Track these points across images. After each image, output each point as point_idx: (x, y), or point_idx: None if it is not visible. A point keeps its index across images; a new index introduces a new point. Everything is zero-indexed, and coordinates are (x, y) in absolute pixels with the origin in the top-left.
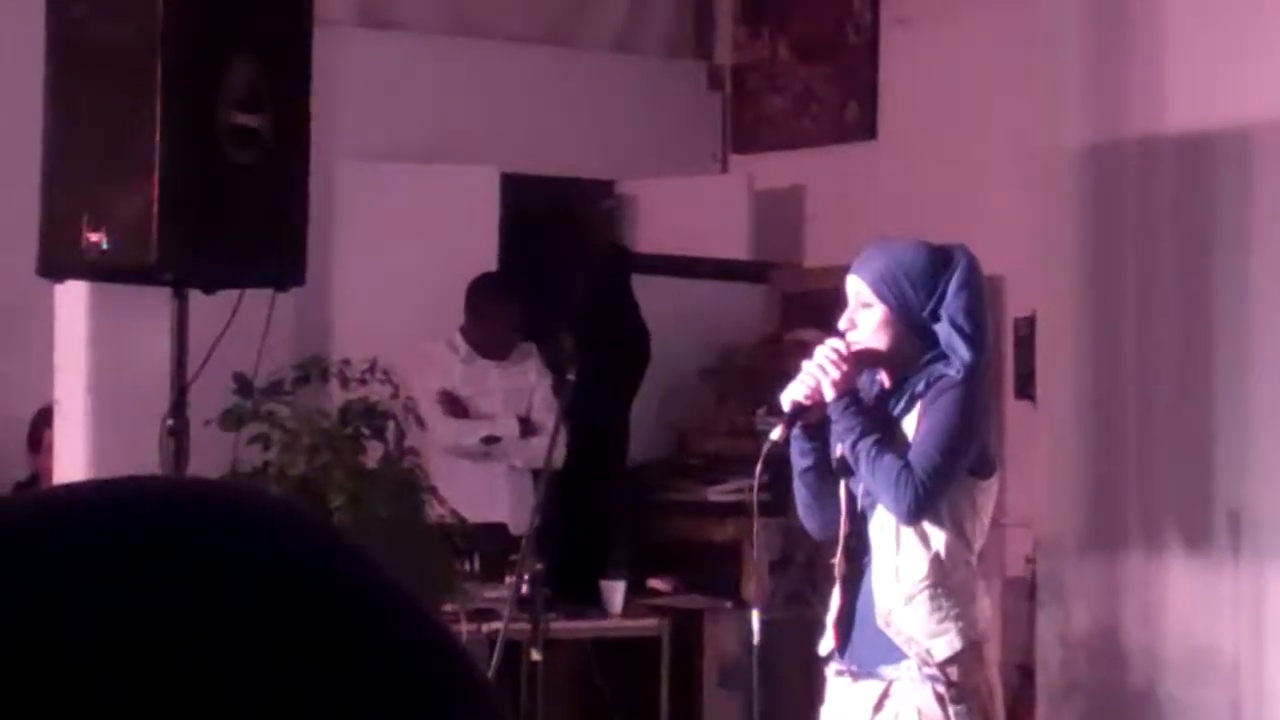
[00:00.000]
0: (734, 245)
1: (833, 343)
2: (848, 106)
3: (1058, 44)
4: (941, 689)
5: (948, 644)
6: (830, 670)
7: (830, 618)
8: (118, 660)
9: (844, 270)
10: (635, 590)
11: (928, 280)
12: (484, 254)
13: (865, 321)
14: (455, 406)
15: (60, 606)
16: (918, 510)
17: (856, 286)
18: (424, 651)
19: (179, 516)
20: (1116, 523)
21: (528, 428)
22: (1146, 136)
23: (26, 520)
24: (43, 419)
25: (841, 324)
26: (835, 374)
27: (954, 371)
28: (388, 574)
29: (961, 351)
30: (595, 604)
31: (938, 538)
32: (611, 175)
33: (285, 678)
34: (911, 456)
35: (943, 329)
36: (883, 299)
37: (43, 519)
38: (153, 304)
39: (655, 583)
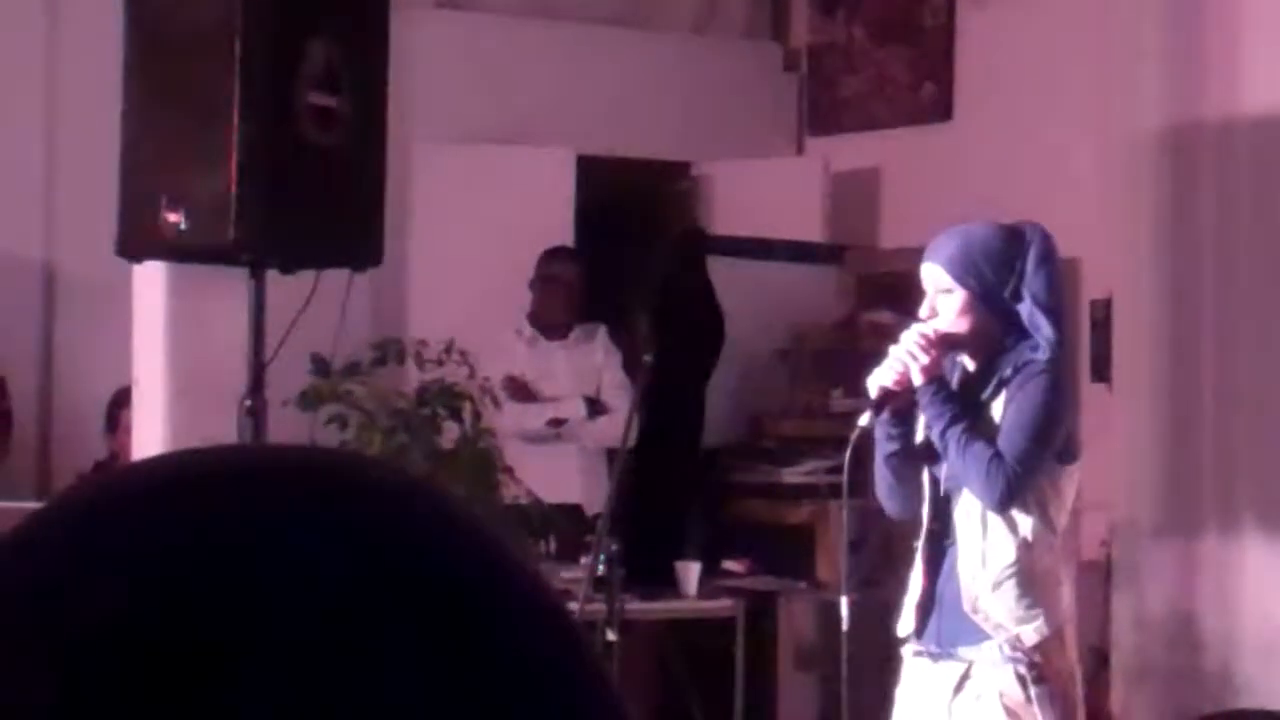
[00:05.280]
0: (809, 227)
1: (919, 327)
2: (923, 88)
3: (1134, 25)
4: (1023, 670)
5: (1036, 630)
6: (907, 650)
7: (909, 600)
8: (232, 629)
9: (919, 252)
10: (710, 571)
11: (1005, 260)
12: (559, 235)
13: (946, 307)
14: (521, 391)
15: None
16: (1008, 498)
17: (934, 274)
18: (540, 635)
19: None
20: (1192, 505)
21: (597, 408)
22: (1224, 118)
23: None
24: (120, 399)
25: (922, 312)
26: (925, 359)
27: (1041, 354)
28: (500, 545)
29: (1046, 330)
30: (670, 585)
31: (1025, 523)
32: (687, 157)
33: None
34: (1001, 444)
35: (1025, 308)
36: (962, 284)
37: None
38: (230, 284)
39: (730, 564)
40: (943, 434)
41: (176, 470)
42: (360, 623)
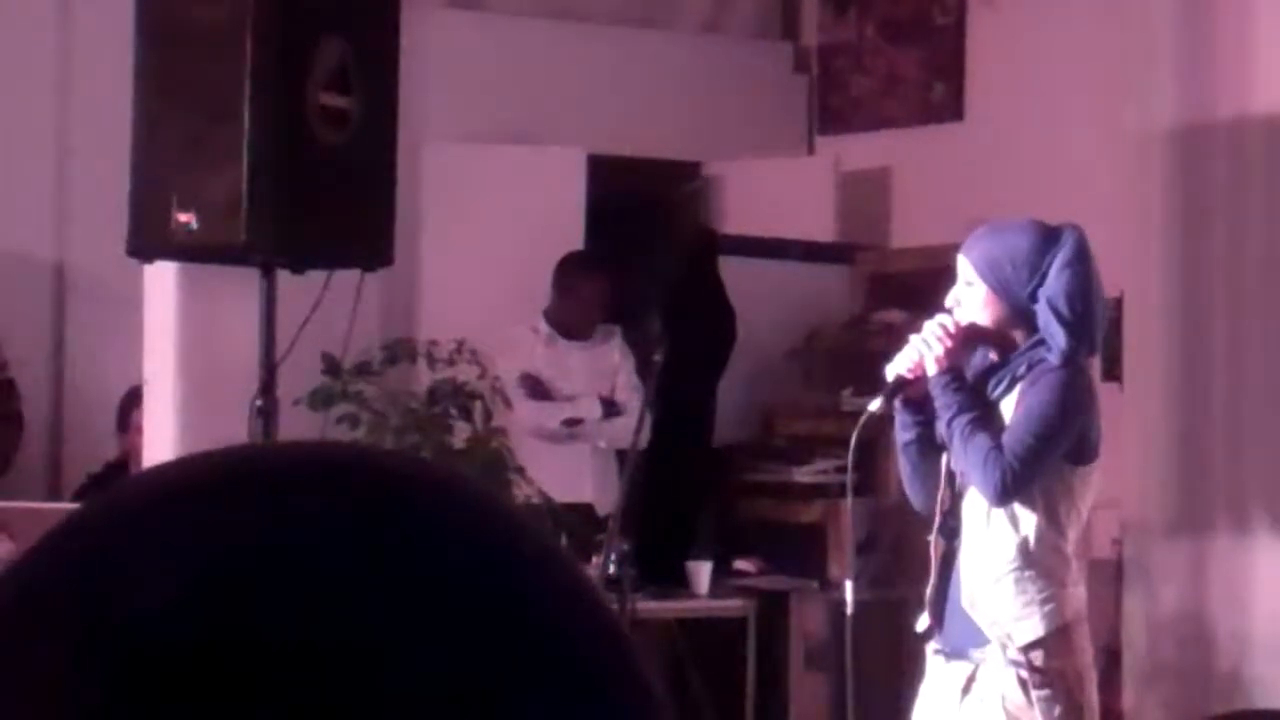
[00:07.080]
0: (820, 227)
1: (940, 318)
2: (934, 87)
3: (1146, 24)
4: (1024, 674)
5: (1031, 629)
6: (929, 648)
7: (927, 596)
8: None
9: (931, 252)
10: (721, 571)
11: (1031, 261)
12: (570, 235)
13: (969, 300)
14: (537, 389)
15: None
16: (1005, 492)
17: (963, 266)
18: (585, 637)
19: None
20: (1204, 504)
21: (611, 409)
22: (1235, 117)
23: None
24: (131, 399)
25: (948, 301)
26: (939, 349)
27: (1053, 357)
28: (550, 545)
29: (1058, 337)
30: (681, 585)
31: (1028, 521)
32: (698, 157)
33: (449, 655)
34: (1005, 439)
35: (1042, 311)
36: (984, 279)
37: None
38: (241, 285)
39: (741, 564)
40: (949, 424)
41: (218, 469)
42: (406, 624)
